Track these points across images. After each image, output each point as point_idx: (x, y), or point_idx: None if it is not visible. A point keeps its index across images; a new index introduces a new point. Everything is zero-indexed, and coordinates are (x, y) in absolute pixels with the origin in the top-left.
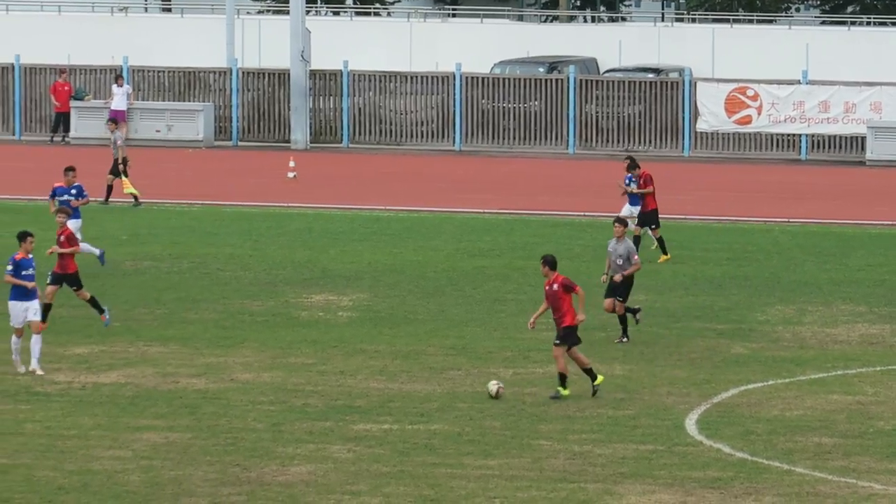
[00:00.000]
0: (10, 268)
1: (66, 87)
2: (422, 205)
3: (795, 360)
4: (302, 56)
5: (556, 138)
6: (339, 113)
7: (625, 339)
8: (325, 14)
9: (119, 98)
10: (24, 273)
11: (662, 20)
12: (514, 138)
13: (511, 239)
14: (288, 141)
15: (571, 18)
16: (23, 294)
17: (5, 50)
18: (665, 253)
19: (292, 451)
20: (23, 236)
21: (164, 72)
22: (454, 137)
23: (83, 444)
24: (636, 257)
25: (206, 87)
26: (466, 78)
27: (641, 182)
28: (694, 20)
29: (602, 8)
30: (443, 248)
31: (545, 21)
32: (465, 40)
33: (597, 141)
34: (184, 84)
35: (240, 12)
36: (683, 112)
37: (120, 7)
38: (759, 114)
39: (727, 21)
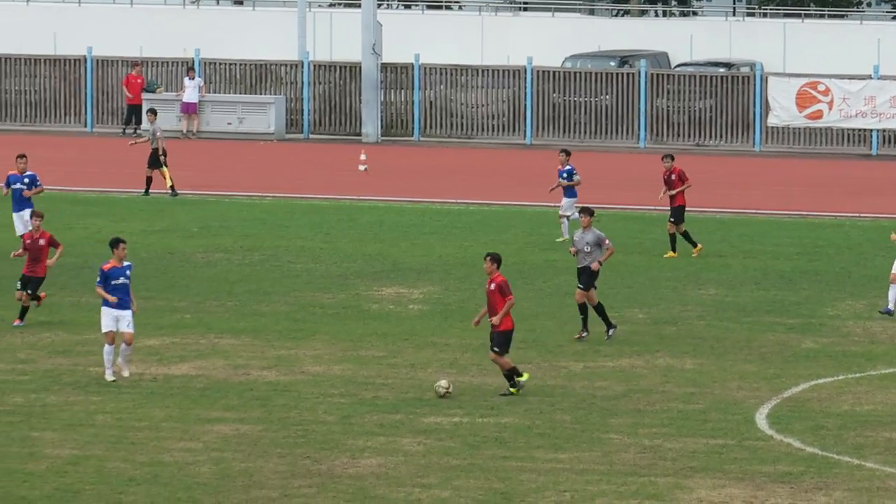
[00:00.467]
0: (99, 279)
1: (138, 80)
2: (492, 198)
3: (866, 354)
4: (373, 49)
5: (627, 132)
6: (411, 106)
7: (584, 335)
8: (397, 7)
9: (190, 90)
10: (113, 283)
11: (734, 15)
12: (585, 132)
13: None
14: (359, 134)
15: (643, 13)
16: (113, 303)
17: (78, 42)
18: (673, 251)
19: (363, 444)
20: (115, 243)
21: (235, 64)
22: (525, 131)
23: (154, 436)
24: (608, 242)
25: (278, 79)
26: (537, 72)
27: (676, 178)
28: (765, 15)
29: (673, 2)
30: (513, 241)
31: (616, 15)
32: (537, 34)
33: (668, 135)
34: (255, 77)
35: (311, 5)
36: (754, 107)
37: None
38: (830, 109)
39: (798, 16)
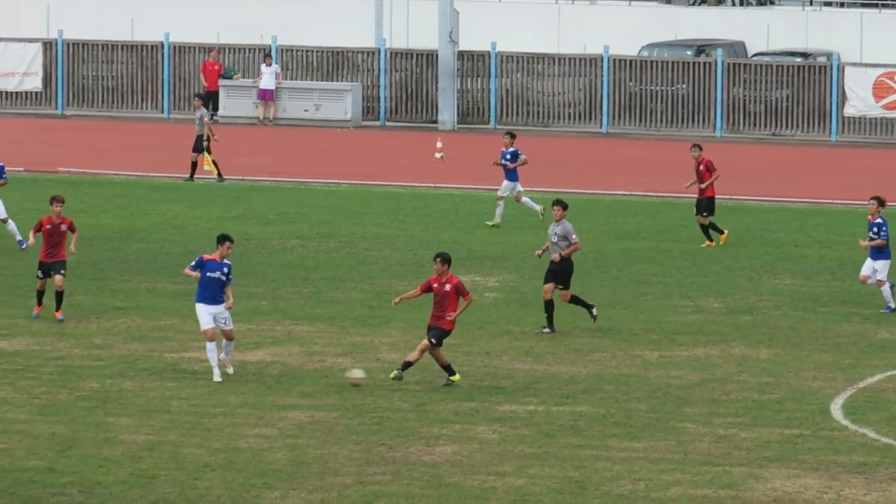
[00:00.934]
0: (193, 263)
1: (215, 67)
2: (568, 186)
3: None
4: (450, 37)
5: (704, 121)
6: (487, 94)
7: (594, 314)
8: None
9: (267, 77)
10: (208, 275)
11: (811, 4)
12: (662, 121)
13: (657, 222)
14: (435, 121)
15: (720, 1)
16: (208, 298)
17: (155, 28)
18: (719, 234)
19: (437, 432)
20: (221, 240)
21: (312, 51)
22: (601, 120)
23: (229, 422)
24: (574, 237)
25: (354, 66)
26: (614, 60)
27: (704, 169)
28: (842, 4)
29: None
30: (589, 230)
31: (693, 4)
32: (613, 22)
33: (744, 124)
34: (332, 64)
35: None
36: (831, 97)
37: None
38: None
39: (875, 6)
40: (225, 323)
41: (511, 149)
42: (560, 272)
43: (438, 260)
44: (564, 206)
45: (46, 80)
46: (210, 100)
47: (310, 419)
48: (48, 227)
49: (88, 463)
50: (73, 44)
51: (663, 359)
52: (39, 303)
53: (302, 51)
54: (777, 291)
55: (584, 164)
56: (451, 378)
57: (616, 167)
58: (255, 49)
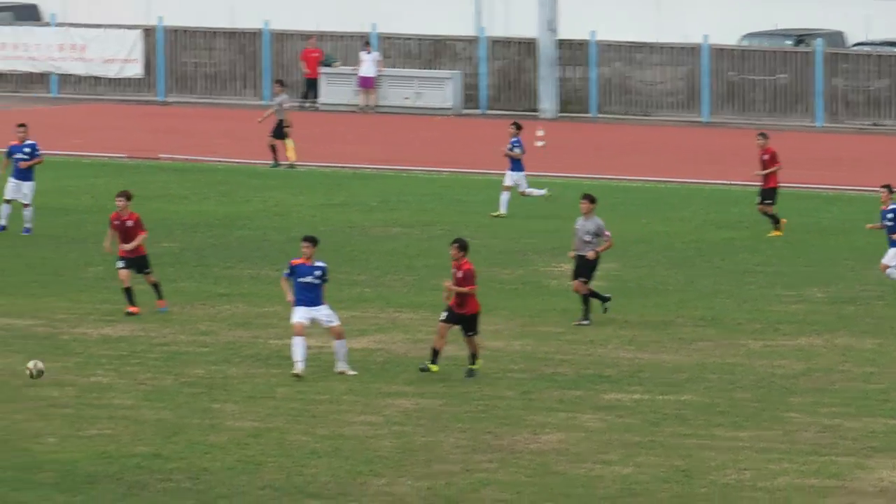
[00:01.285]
0: (286, 272)
1: (315, 54)
2: (669, 175)
3: None
4: (549, 25)
5: (804, 111)
6: (587, 83)
7: (585, 322)
8: None
9: (367, 65)
10: (299, 280)
11: None
12: (762, 110)
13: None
14: (536, 110)
15: None
16: (304, 301)
17: (255, 16)
18: (777, 226)
19: (543, 420)
20: (301, 240)
21: (412, 39)
22: (701, 109)
23: (335, 409)
24: (607, 233)
25: (454, 55)
26: (714, 49)
27: (768, 159)
28: None
29: None
30: (691, 219)
31: None
32: (713, 12)
33: (844, 114)
34: (432, 52)
35: None
36: None
37: None
38: None
39: None
40: (328, 320)
41: (514, 139)
42: (586, 266)
43: (455, 246)
44: (592, 200)
45: (147, 66)
46: (310, 87)
47: (415, 406)
48: (116, 223)
49: (195, 449)
50: (174, 31)
51: (767, 348)
52: (132, 302)
53: (402, 39)
54: (881, 281)
55: (684, 154)
56: (472, 367)
57: (716, 156)
58: (355, 36)
